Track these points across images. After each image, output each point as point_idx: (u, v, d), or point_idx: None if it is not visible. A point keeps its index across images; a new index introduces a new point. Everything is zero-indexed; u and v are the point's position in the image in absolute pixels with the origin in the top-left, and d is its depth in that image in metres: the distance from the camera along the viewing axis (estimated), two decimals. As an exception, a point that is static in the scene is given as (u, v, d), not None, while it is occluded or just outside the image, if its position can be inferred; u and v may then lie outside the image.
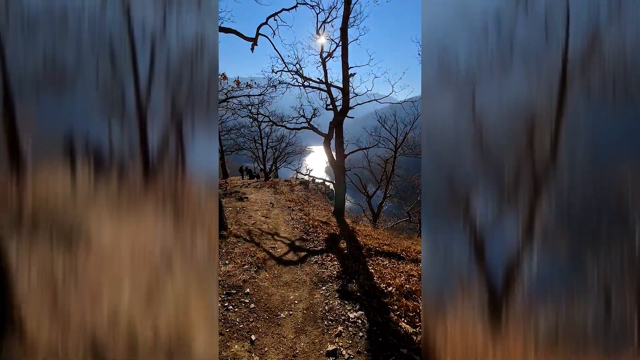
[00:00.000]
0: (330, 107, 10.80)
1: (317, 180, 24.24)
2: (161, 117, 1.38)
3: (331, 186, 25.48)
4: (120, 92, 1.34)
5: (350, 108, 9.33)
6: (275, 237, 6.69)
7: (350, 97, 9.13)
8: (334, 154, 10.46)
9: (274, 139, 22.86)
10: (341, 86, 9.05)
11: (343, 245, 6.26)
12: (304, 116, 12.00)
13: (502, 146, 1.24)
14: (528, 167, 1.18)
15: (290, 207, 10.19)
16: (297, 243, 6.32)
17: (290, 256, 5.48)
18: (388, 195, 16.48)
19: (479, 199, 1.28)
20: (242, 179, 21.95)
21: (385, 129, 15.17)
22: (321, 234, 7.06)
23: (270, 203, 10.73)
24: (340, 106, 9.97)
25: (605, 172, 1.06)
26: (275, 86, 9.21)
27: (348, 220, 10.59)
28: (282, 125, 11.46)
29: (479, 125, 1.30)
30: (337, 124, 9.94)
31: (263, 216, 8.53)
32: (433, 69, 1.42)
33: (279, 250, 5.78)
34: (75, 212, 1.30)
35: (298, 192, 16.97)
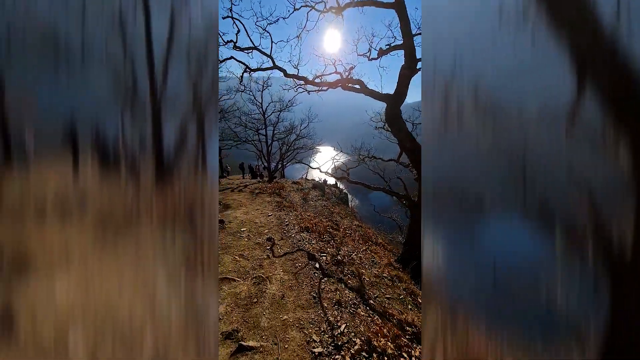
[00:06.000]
0: (400, 39, 4.61)
1: (328, 182, 17.93)
2: (180, 105, 1.02)
3: (342, 186, 19.07)
4: (130, 75, 0.97)
5: None
6: None
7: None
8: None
9: (280, 130, 16.65)
10: None
11: None
12: (337, 72, 5.77)
13: None
14: None
15: (313, 258, 3.99)
16: None
17: None
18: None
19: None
20: (243, 178, 16.01)
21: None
22: None
23: (269, 239, 4.56)
24: None
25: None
26: None
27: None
28: (302, 80, 5.22)
29: None
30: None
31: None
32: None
33: None
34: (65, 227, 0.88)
35: (314, 201, 10.87)
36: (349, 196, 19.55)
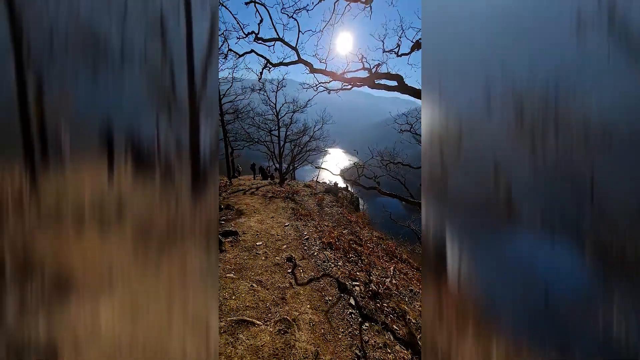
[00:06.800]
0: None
1: (338, 184, 17.08)
2: (216, 108, 0.99)
3: (352, 190, 18.13)
4: (169, 78, 0.92)
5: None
6: None
7: None
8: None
9: (293, 131, 16.07)
10: None
11: None
12: (362, 66, 5.02)
13: None
14: None
15: (344, 289, 3.24)
16: None
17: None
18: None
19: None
20: (254, 178, 15.55)
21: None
22: None
23: (289, 260, 3.87)
24: None
25: None
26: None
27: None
28: (329, 75, 4.51)
29: None
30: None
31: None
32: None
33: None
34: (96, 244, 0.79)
35: (329, 207, 10.13)
36: (360, 200, 18.68)
